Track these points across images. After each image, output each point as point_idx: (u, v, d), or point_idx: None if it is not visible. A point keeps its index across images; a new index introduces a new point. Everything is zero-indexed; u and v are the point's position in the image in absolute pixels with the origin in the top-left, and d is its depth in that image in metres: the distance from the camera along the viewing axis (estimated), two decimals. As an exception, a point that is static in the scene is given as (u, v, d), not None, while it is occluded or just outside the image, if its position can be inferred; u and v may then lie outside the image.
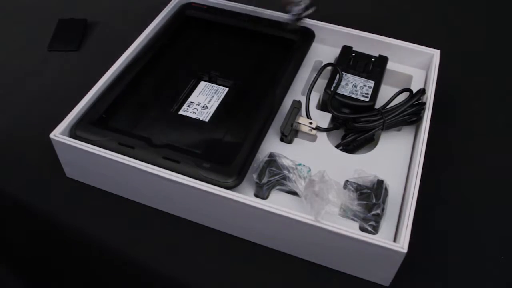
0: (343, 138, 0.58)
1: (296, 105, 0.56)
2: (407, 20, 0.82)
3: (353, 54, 0.64)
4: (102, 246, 0.52)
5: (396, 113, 0.57)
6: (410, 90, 0.59)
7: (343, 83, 0.60)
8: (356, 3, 0.85)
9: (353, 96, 0.59)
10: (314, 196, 0.47)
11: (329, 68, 0.62)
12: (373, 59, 0.63)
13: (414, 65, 0.67)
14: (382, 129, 0.57)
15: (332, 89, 0.59)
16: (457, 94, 0.69)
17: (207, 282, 0.50)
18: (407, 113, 0.57)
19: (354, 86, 0.60)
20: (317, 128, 0.57)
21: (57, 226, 0.54)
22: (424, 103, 0.58)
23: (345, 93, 0.59)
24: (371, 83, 0.60)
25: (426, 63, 0.66)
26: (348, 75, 0.61)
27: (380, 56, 0.64)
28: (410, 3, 0.86)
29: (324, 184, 0.49)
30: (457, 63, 0.72)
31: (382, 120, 0.56)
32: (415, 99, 0.57)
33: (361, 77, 0.61)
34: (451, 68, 0.66)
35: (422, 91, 0.58)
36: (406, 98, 0.58)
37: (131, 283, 0.54)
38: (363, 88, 0.59)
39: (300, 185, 0.49)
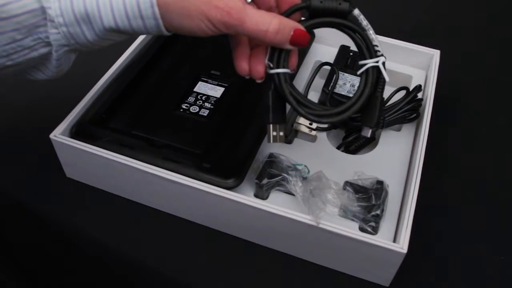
0: (345, 138, 0.58)
1: None
2: (407, 20, 0.82)
3: (351, 54, 0.64)
4: (102, 246, 0.52)
5: (394, 110, 0.57)
6: (406, 88, 0.59)
7: (340, 82, 0.60)
8: (355, 3, 0.85)
9: (351, 95, 0.58)
10: (311, 197, 0.47)
11: (328, 68, 0.62)
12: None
13: (414, 65, 0.67)
14: (382, 127, 0.57)
15: (329, 88, 0.59)
16: (457, 94, 0.69)
17: (207, 282, 0.50)
18: (405, 110, 0.57)
19: (352, 85, 0.60)
20: (317, 129, 0.57)
21: (57, 226, 0.54)
22: (421, 99, 0.58)
23: (343, 93, 0.59)
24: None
25: (426, 63, 0.66)
26: (346, 74, 0.61)
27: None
28: (410, 3, 0.86)
29: (321, 184, 0.49)
30: (457, 63, 0.72)
31: (382, 118, 0.56)
32: (412, 96, 0.58)
33: (359, 76, 0.61)
34: (451, 68, 0.66)
35: (418, 88, 0.58)
36: (403, 96, 0.58)
37: (130, 283, 0.54)
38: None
39: (297, 186, 0.49)
